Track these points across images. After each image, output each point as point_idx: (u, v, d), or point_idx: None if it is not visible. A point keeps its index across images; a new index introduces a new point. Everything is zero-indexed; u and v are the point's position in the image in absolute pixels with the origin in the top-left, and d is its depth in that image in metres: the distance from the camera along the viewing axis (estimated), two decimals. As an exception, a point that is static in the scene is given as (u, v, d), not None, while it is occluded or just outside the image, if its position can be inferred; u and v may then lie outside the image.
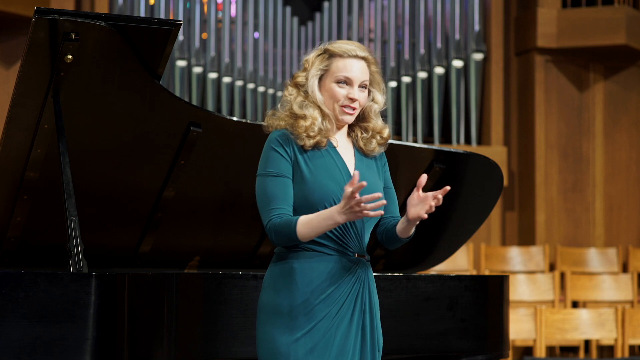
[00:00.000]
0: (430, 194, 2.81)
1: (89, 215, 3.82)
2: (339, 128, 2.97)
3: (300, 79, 2.94)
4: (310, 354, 2.81)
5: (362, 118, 2.98)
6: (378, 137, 2.98)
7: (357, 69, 2.91)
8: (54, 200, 3.64)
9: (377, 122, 2.98)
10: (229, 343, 3.52)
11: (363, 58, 2.93)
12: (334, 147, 2.92)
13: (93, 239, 3.66)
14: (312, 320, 2.82)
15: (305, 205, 2.84)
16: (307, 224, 2.79)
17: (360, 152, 2.98)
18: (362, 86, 2.92)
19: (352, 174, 2.89)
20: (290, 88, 2.95)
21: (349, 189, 2.69)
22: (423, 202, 2.83)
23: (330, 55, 2.93)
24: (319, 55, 2.94)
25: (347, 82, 2.91)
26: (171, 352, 3.36)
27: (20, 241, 3.95)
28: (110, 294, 3.16)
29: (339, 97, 2.90)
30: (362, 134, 2.98)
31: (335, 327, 2.83)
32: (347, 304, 2.85)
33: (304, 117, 2.88)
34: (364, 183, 2.67)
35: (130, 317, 3.21)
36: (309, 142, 2.87)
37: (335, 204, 2.82)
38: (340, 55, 2.91)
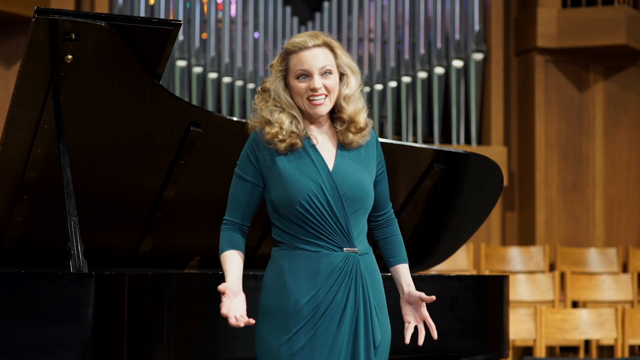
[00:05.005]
0: (424, 316, 3.02)
1: (89, 215, 3.82)
2: (317, 124, 2.93)
3: (267, 84, 2.93)
4: (299, 353, 2.80)
5: (337, 109, 2.93)
6: (352, 128, 2.91)
7: (311, 59, 2.86)
8: (54, 200, 3.64)
9: (351, 109, 2.91)
10: (229, 343, 3.52)
11: (317, 45, 2.88)
12: (313, 145, 2.89)
13: (93, 239, 3.66)
14: (301, 320, 2.81)
15: (284, 203, 2.84)
16: (223, 262, 2.89)
17: (343, 145, 2.93)
18: (324, 73, 2.87)
19: (330, 170, 2.87)
20: (257, 96, 2.94)
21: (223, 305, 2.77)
22: (416, 310, 3.02)
23: (287, 53, 2.90)
24: (279, 57, 2.92)
25: (306, 74, 2.87)
26: (171, 352, 3.36)
27: (20, 241, 3.95)
28: (110, 294, 3.16)
29: (302, 91, 2.86)
30: (340, 126, 2.93)
31: (325, 325, 2.82)
32: (337, 301, 2.83)
33: (270, 124, 2.86)
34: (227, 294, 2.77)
35: (130, 317, 3.21)
36: (281, 147, 2.85)
37: (312, 200, 2.82)
38: (294, 51, 2.88)
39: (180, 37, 9.24)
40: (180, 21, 3.52)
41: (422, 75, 9.61)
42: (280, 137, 2.85)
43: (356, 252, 2.88)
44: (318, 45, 2.88)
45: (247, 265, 4.40)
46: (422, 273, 4.75)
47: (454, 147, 9.09)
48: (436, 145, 8.19)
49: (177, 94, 9.05)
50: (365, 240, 2.94)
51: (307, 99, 2.87)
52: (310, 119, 2.92)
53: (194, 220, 4.21)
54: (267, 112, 2.89)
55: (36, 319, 3.07)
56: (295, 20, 9.64)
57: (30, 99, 3.52)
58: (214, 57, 9.38)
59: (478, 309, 4.00)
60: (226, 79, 9.37)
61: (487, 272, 7.90)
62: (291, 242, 2.86)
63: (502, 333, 4.11)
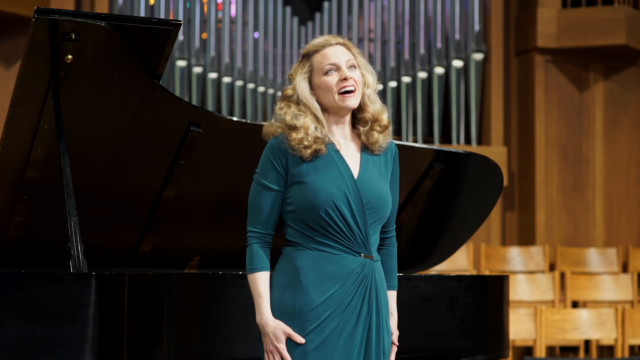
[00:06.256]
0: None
1: (89, 215, 3.82)
2: (341, 126, 2.93)
3: (289, 91, 2.93)
4: (313, 353, 2.81)
5: (360, 109, 2.94)
6: (377, 127, 2.94)
7: (337, 53, 2.90)
8: (54, 200, 3.64)
9: (374, 108, 2.94)
10: (229, 343, 3.52)
11: (339, 43, 2.93)
12: (337, 151, 2.89)
13: (93, 239, 3.66)
14: (315, 320, 2.82)
15: (307, 208, 2.84)
16: (255, 285, 2.88)
17: (367, 150, 2.95)
18: (350, 66, 2.90)
19: (355, 177, 2.88)
20: (280, 102, 2.94)
21: (281, 346, 2.81)
22: None
23: (308, 56, 2.93)
24: (299, 63, 2.95)
25: (334, 68, 2.89)
26: (171, 352, 3.36)
27: (20, 241, 3.95)
28: (110, 294, 3.16)
29: (332, 84, 2.88)
30: (363, 127, 2.94)
31: (340, 328, 2.83)
32: (353, 304, 2.85)
33: (296, 129, 2.85)
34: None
35: (130, 317, 3.21)
36: (307, 153, 2.84)
37: (337, 207, 2.83)
38: (317, 50, 2.92)
39: (180, 37, 9.24)
40: (180, 21, 3.52)
41: (422, 75, 9.61)
42: (306, 142, 2.84)
43: (372, 259, 2.90)
44: (339, 43, 2.93)
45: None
46: (422, 273, 4.75)
47: (454, 147, 9.09)
48: (436, 145, 8.19)
49: (177, 94, 9.05)
50: (376, 250, 2.97)
51: (338, 92, 2.88)
52: (334, 120, 2.93)
53: (194, 220, 4.21)
54: (291, 117, 2.87)
55: (36, 319, 3.07)
56: (295, 20, 9.64)
57: (30, 99, 3.52)
58: (214, 57, 9.38)
59: (478, 309, 4.00)
60: (226, 79, 9.37)
61: (487, 272, 7.90)
62: (308, 243, 2.87)
63: (502, 333, 4.11)
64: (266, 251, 2.91)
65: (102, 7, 8.97)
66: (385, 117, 2.95)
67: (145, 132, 3.81)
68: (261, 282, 2.87)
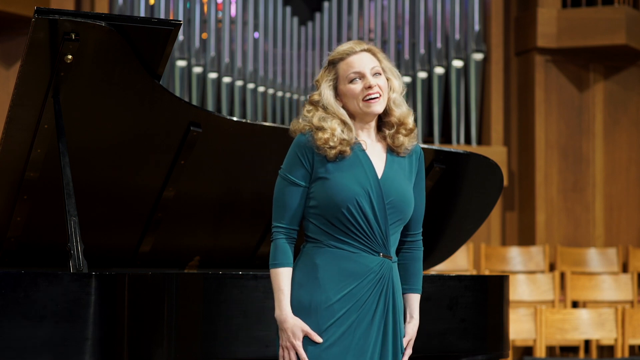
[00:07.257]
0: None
1: (89, 215, 3.82)
2: (366, 130, 2.95)
3: (315, 97, 2.95)
4: (329, 350, 2.83)
5: (386, 113, 2.97)
6: (402, 130, 2.96)
7: (362, 61, 2.92)
8: (54, 200, 3.64)
9: (400, 112, 2.96)
10: (229, 343, 3.52)
11: (364, 50, 2.95)
12: (363, 150, 2.92)
13: (93, 239, 3.66)
14: (331, 317, 2.84)
15: (329, 205, 2.86)
16: (279, 279, 2.87)
17: (393, 152, 2.97)
18: (375, 73, 2.93)
19: (379, 177, 2.90)
20: (307, 105, 2.96)
21: (298, 343, 2.83)
22: None
23: (333, 63, 2.96)
24: (325, 70, 2.97)
25: (359, 77, 2.91)
26: (171, 352, 3.36)
27: (20, 241, 3.95)
28: (110, 294, 3.16)
29: (357, 92, 2.90)
30: (389, 130, 2.97)
31: (355, 325, 2.85)
32: (369, 303, 2.87)
33: (323, 129, 2.88)
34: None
35: (130, 317, 3.21)
36: (331, 153, 2.87)
37: (359, 205, 2.85)
38: (342, 58, 2.94)
39: (180, 37, 9.24)
40: (180, 21, 3.52)
41: (422, 75, 9.61)
42: (331, 143, 2.87)
43: (390, 259, 2.92)
44: (364, 50, 2.95)
45: (247, 265, 4.41)
46: (422, 273, 4.75)
47: (454, 147, 9.09)
48: (436, 145, 8.19)
49: (177, 94, 9.05)
50: (396, 251, 2.98)
51: (363, 99, 2.90)
52: (360, 125, 2.95)
53: (194, 220, 4.21)
54: (318, 120, 2.90)
55: (36, 319, 3.07)
56: (295, 20, 9.64)
57: (30, 99, 3.52)
58: (214, 57, 9.38)
59: (478, 309, 4.00)
60: (226, 79, 9.37)
61: (487, 272, 7.90)
62: (327, 240, 2.88)
63: (502, 333, 4.11)
64: (291, 247, 2.92)
65: (102, 7, 8.97)
66: (410, 121, 2.98)
67: (145, 132, 3.81)
68: (283, 277, 2.88)
